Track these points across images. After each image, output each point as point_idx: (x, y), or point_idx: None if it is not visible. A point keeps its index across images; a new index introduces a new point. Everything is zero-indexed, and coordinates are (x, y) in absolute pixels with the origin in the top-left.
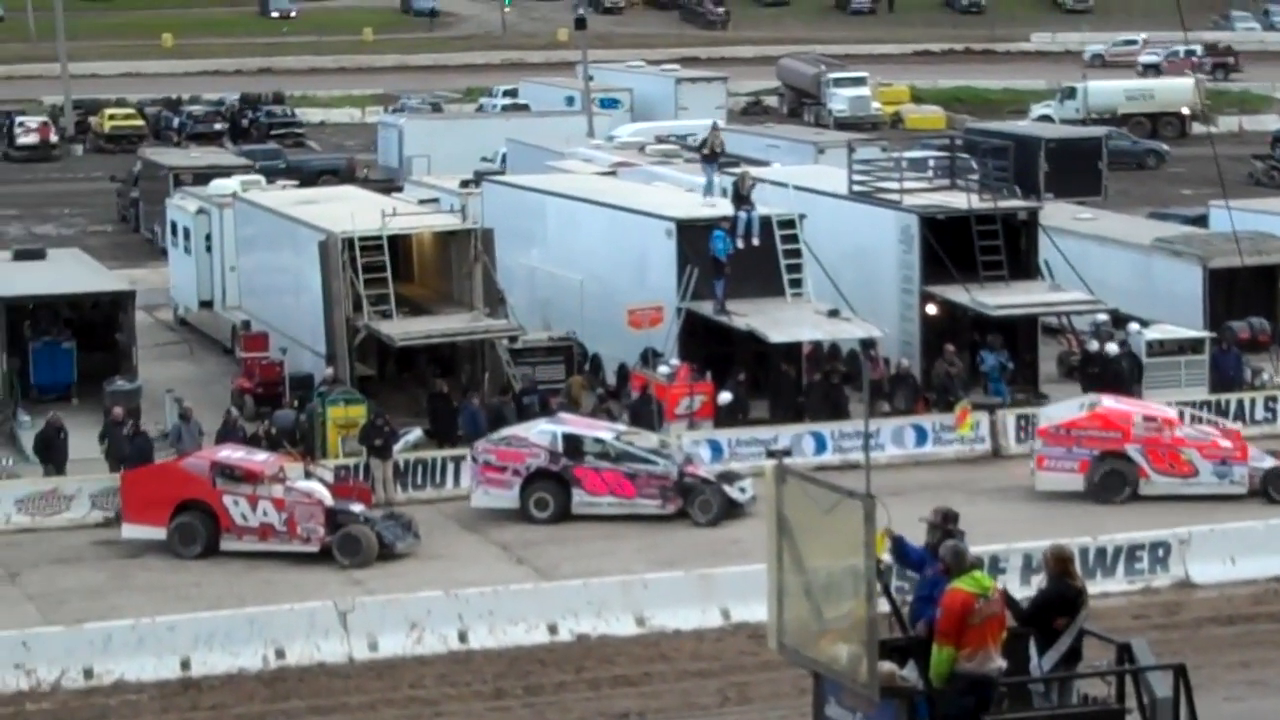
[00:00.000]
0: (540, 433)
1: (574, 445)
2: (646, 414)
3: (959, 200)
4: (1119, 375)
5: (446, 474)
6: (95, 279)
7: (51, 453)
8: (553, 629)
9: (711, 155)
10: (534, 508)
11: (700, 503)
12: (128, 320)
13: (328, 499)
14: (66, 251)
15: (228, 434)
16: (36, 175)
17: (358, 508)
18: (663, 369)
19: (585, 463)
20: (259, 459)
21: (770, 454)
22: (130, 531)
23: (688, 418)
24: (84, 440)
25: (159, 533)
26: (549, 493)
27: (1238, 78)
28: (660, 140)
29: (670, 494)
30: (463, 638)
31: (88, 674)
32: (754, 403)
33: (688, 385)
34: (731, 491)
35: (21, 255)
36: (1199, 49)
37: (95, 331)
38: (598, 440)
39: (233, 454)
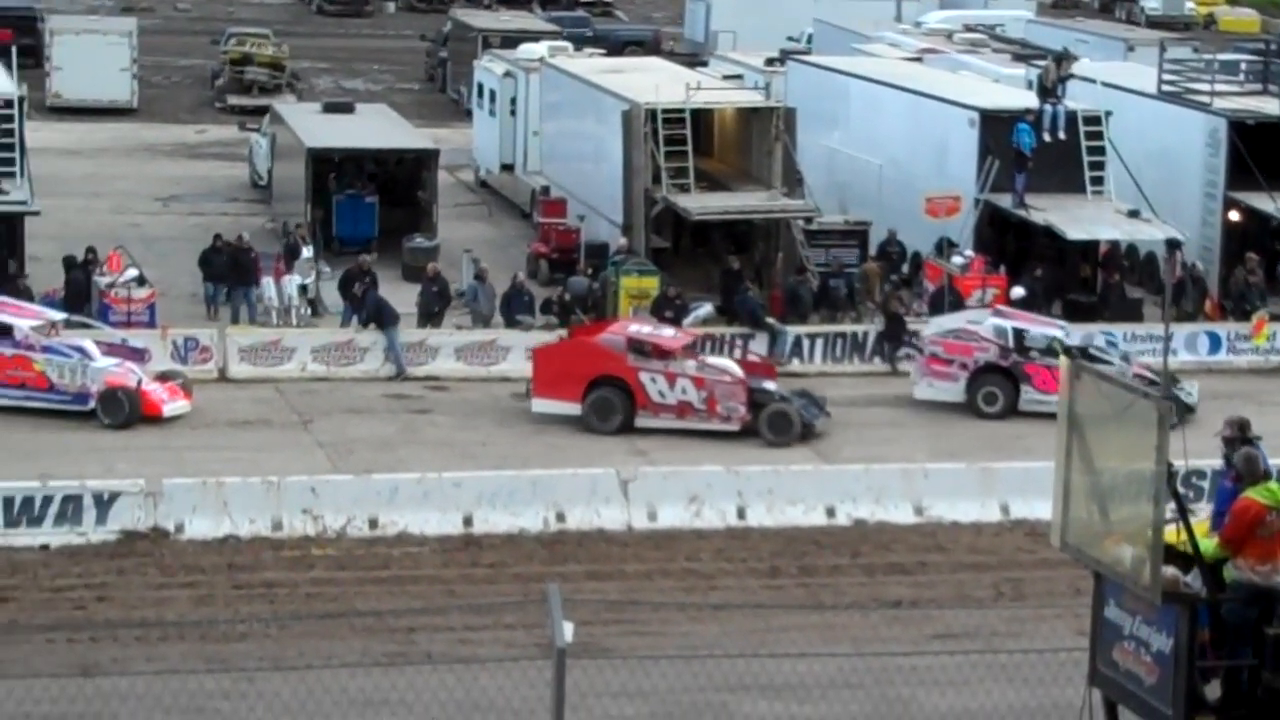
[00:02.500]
0: (991, 327)
1: (1023, 341)
2: (940, 304)
3: (1270, 106)
4: None
5: (735, 350)
6: (401, 135)
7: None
8: (830, 512)
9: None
10: (982, 402)
11: None
12: (430, 178)
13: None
14: (374, 107)
15: (514, 297)
16: (348, 30)
17: (771, 385)
18: (957, 259)
19: (1034, 359)
20: (667, 334)
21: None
22: (541, 406)
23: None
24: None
25: (573, 408)
26: (998, 387)
27: None
28: (969, 29)
29: None
30: (741, 514)
31: (372, 523)
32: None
33: (981, 277)
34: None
35: (330, 108)
36: None
37: (398, 188)
38: (1048, 337)
39: (642, 329)
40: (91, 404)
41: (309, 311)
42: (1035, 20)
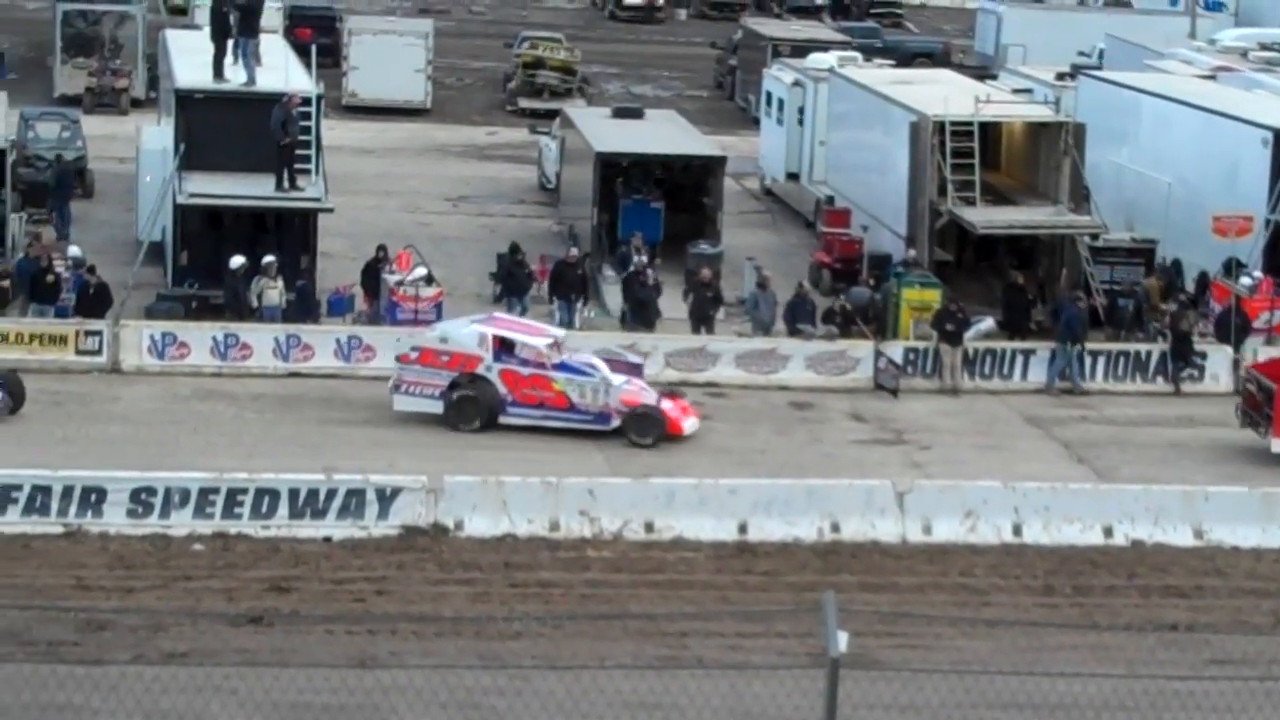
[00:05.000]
0: None
1: None
2: (1226, 325)
3: None
4: None
5: (1015, 365)
6: (689, 142)
7: (638, 305)
8: (1108, 531)
9: None
10: None
11: None
12: (716, 185)
13: None
14: (663, 113)
15: (799, 306)
16: (639, 36)
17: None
18: (1245, 280)
19: None
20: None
21: None
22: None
23: (1266, 332)
24: (664, 300)
25: None
26: None
27: None
28: (1264, 47)
29: None
30: (1017, 531)
31: (648, 527)
32: None
33: (1269, 299)
34: None
35: (620, 113)
36: None
37: (684, 193)
38: None
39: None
40: (614, 423)
41: (591, 313)
42: None
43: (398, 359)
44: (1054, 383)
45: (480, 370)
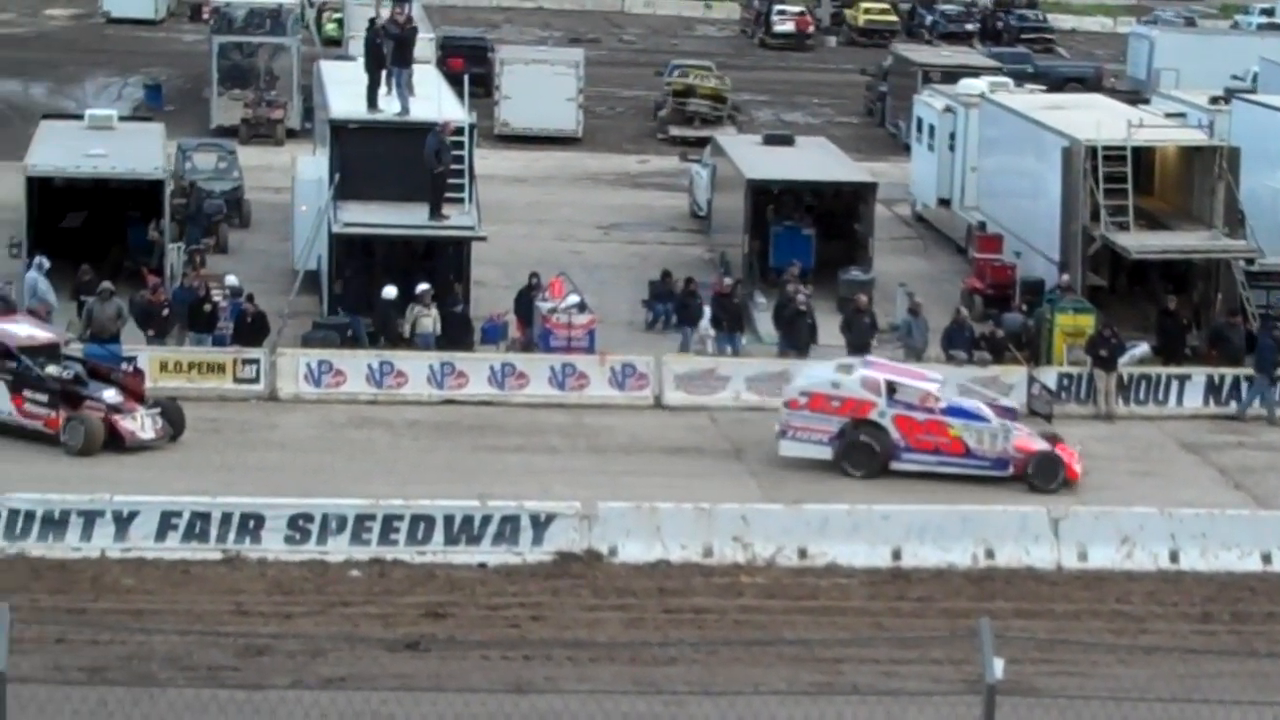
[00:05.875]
0: None
1: None
2: None
3: None
4: None
5: (1170, 391)
6: (840, 168)
7: (791, 331)
8: (1266, 558)
9: None
10: None
11: None
12: (867, 211)
13: None
14: (813, 140)
15: (956, 332)
16: (789, 63)
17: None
18: None
19: None
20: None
21: None
22: None
23: None
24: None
25: None
26: None
27: None
28: None
29: None
30: (1174, 557)
31: (801, 553)
32: None
33: None
34: None
35: (771, 140)
36: None
37: (834, 220)
38: None
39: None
40: (1010, 470)
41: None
42: None
43: (785, 404)
44: (1246, 410)
45: (873, 415)
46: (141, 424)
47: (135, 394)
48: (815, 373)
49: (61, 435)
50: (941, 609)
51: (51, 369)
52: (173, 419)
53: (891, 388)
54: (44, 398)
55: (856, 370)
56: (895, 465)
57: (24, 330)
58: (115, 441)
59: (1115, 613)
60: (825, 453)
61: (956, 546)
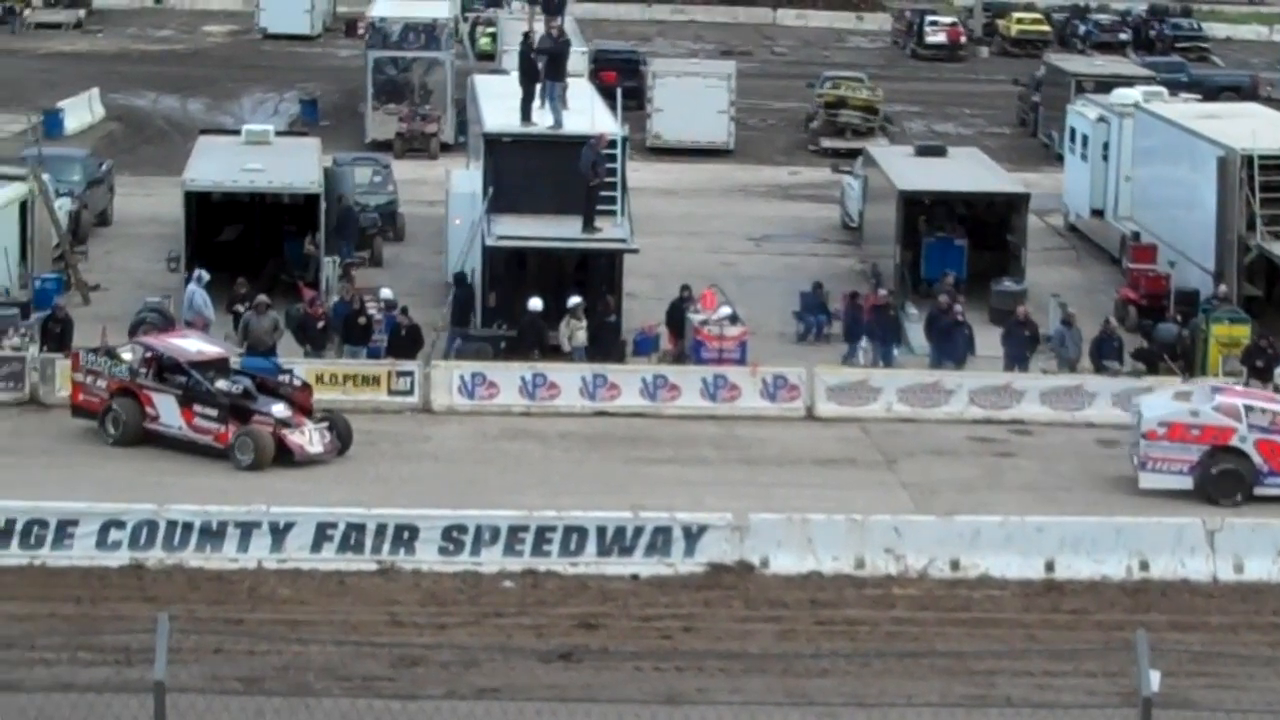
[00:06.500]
0: None
1: None
2: None
3: None
4: None
5: None
6: (992, 179)
7: (948, 342)
8: None
9: None
10: None
11: None
12: (1020, 222)
13: None
14: (965, 150)
15: (1105, 343)
16: (941, 74)
17: None
18: None
19: None
20: None
21: None
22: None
23: None
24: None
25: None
26: None
27: None
28: None
29: None
30: None
31: (954, 565)
32: None
33: None
34: None
35: (923, 151)
36: None
37: (987, 231)
38: None
39: None
40: None
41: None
42: None
43: (1144, 435)
44: None
45: (1234, 442)
46: (310, 438)
47: (303, 408)
48: (1157, 403)
49: (232, 450)
50: (1095, 621)
51: (221, 383)
52: (341, 433)
53: (1248, 411)
54: (214, 412)
55: (1207, 396)
56: (1260, 490)
57: (193, 345)
58: (285, 455)
59: (1272, 625)
60: (1186, 483)
61: (1110, 558)
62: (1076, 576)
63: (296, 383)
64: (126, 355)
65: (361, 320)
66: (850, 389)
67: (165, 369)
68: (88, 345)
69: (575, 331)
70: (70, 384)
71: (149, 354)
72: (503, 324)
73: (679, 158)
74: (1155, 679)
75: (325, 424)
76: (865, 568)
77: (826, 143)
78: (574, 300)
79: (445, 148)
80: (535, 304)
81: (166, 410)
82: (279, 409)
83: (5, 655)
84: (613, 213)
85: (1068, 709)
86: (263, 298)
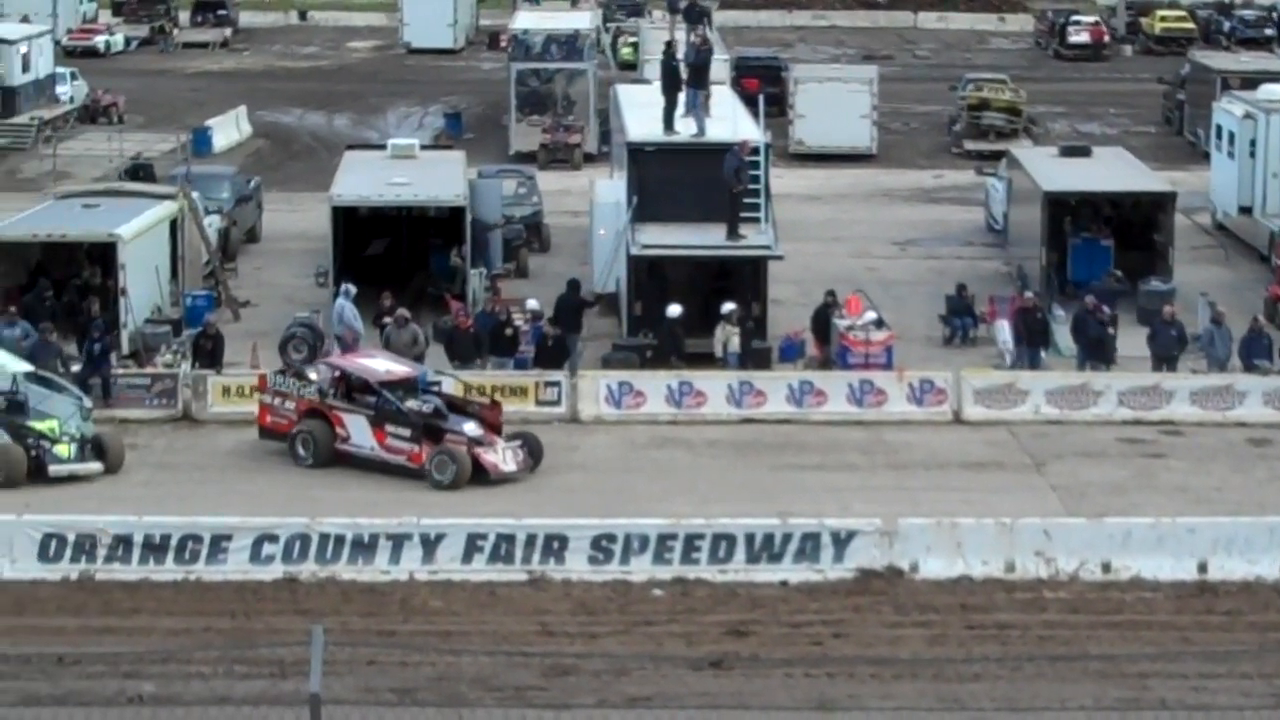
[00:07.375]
0: None
1: None
2: None
3: None
4: None
5: None
6: (1138, 178)
7: (1092, 343)
8: None
9: None
10: None
11: None
12: (1167, 221)
13: None
14: (1110, 150)
15: (1254, 341)
16: (1085, 74)
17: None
18: None
19: None
20: None
21: None
22: None
23: None
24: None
25: None
26: None
27: None
28: None
29: None
30: None
31: (1105, 568)
32: None
33: None
34: None
35: (1067, 152)
36: None
37: (1133, 230)
38: None
39: None
40: None
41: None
42: None
43: None
44: None
45: None
46: (504, 456)
47: (493, 426)
48: None
49: (429, 470)
50: (1249, 622)
51: (411, 403)
52: (533, 449)
53: None
54: (406, 432)
55: None
56: None
57: (382, 365)
58: (479, 474)
59: None
60: None
61: (1264, 558)
62: (1230, 577)
63: (485, 401)
64: (313, 376)
65: (508, 331)
66: (997, 392)
67: (354, 389)
68: (275, 368)
69: (730, 337)
70: (258, 406)
71: (337, 374)
72: (648, 333)
73: (822, 163)
74: None
75: (518, 441)
76: (1015, 571)
77: (970, 145)
78: (728, 306)
79: (589, 158)
80: (674, 310)
81: (358, 431)
82: (471, 427)
83: (162, 669)
84: (757, 220)
85: (1223, 711)
86: (403, 311)
